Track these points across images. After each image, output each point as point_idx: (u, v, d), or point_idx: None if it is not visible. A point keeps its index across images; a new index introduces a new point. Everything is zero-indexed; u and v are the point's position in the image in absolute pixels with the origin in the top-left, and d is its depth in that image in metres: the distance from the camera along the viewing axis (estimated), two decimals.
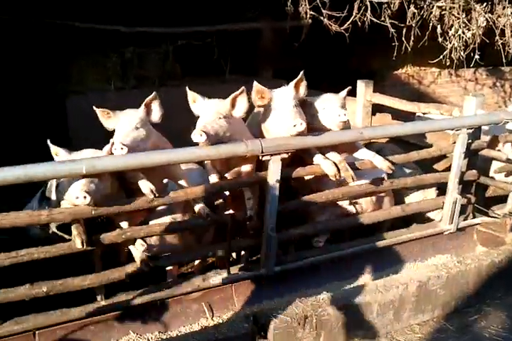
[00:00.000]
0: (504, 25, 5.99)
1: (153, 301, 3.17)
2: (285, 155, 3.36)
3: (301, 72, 3.44)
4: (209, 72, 6.60)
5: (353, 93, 5.63)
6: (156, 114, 3.35)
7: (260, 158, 3.26)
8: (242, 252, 3.89)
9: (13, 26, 5.89)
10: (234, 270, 3.38)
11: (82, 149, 3.27)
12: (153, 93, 3.30)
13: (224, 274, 3.31)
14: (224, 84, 6.62)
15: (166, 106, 5.88)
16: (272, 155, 3.27)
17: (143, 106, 3.26)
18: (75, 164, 2.80)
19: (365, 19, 5.81)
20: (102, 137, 5.66)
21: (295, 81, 3.41)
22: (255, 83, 3.41)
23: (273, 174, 3.31)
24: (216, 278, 3.31)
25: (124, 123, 3.16)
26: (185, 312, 3.24)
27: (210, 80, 6.58)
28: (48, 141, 3.08)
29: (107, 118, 3.25)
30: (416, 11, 5.91)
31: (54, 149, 3.08)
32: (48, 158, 3.11)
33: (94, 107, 3.26)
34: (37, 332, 2.91)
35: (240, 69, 6.79)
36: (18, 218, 2.79)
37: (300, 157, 3.58)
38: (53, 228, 3.15)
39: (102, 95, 5.82)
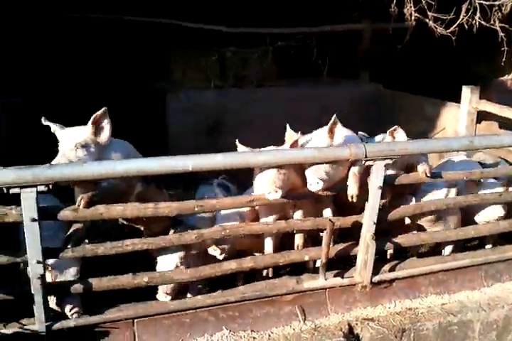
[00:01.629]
0: None
1: (246, 300, 3.19)
2: (389, 161, 3.26)
3: (334, 116, 3.13)
4: (306, 74, 6.58)
5: (456, 99, 5.42)
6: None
7: (363, 162, 3.19)
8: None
9: (120, 25, 6.19)
10: (329, 275, 3.32)
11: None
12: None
13: (319, 279, 3.26)
14: (320, 85, 6.59)
15: (263, 106, 5.99)
16: (375, 160, 3.18)
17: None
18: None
19: (473, 22, 5.56)
20: (199, 133, 5.86)
21: (328, 126, 3.17)
22: (288, 128, 3.31)
23: (375, 180, 3.22)
24: (311, 282, 3.27)
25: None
26: (278, 313, 3.23)
27: (306, 82, 6.57)
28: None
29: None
30: None
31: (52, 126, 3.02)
32: (144, 152, 3.25)
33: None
34: (136, 320, 3.01)
35: (337, 71, 6.72)
36: (126, 210, 2.90)
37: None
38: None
39: (202, 93, 5.98)
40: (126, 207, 2.90)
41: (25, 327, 2.82)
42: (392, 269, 3.47)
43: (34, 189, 2.66)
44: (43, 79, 5.91)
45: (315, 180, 3.01)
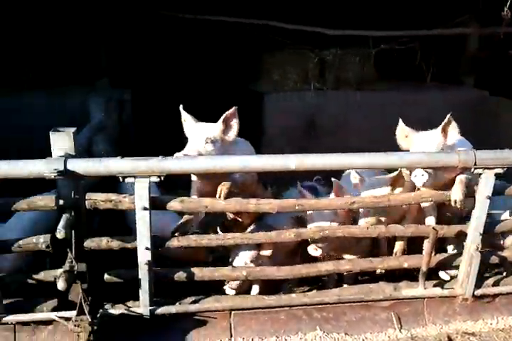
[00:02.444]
0: None
1: (341, 302, 3.17)
2: (500, 170, 3.11)
3: (448, 115, 3.11)
4: (408, 78, 6.43)
5: None
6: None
7: (472, 170, 3.07)
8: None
9: (222, 26, 6.36)
10: (428, 285, 3.22)
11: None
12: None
13: (418, 287, 3.18)
14: (421, 90, 6.41)
15: (361, 109, 5.92)
16: (485, 168, 3.05)
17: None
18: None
19: None
20: (294, 134, 5.89)
21: (442, 125, 3.12)
22: (400, 122, 3.26)
23: (484, 189, 3.09)
24: (409, 289, 3.19)
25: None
26: (373, 318, 3.18)
27: (408, 86, 6.42)
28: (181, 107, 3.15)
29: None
30: None
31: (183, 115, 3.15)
32: None
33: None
34: (233, 312, 3.09)
35: (440, 75, 6.51)
36: (230, 204, 2.98)
37: None
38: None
39: (300, 95, 6.01)
40: (230, 201, 2.98)
41: (130, 309, 2.98)
42: (496, 283, 3.31)
43: (147, 179, 2.81)
44: (150, 77, 6.23)
45: (420, 172, 2.96)
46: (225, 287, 3.19)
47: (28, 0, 5.69)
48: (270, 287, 3.35)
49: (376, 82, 6.41)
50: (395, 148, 3.24)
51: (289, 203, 3.06)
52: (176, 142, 3.28)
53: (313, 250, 3.11)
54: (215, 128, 3.08)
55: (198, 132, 3.06)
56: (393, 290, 3.21)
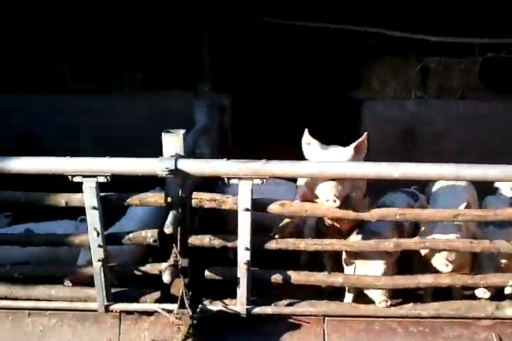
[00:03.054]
0: None
1: (439, 317, 3.08)
2: None
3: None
4: None
5: None
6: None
7: None
8: None
9: (322, 33, 6.38)
10: None
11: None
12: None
13: None
14: None
15: (464, 119, 5.70)
16: None
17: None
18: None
19: None
20: (392, 143, 5.79)
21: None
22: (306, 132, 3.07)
23: None
24: None
25: None
26: (472, 337, 3.05)
27: None
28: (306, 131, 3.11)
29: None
30: None
31: (308, 138, 3.10)
32: None
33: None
34: (326, 318, 3.10)
35: None
36: (329, 210, 2.99)
37: None
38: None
39: (401, 103, 5.90)
40: (330, 207, 2.99)
41: (227, 306, 3.08)
42: None
43: (250, 181, 2.90)
44: (251, 82, 6.38)
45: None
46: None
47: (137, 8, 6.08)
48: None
49: (480, 91, 6.13)
50: (502, 159, 3.08)
51: (389, 212, 3.02)
52: (271, 147, 3.38)
53: (444, 265, 3.03)
54: (345, 156, 3.02)
55: (327, 157, 3.02)
56: (495, 309, 3.07)
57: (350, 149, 3.01)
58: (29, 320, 3.15)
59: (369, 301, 3.16)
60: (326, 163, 2.91)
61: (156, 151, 3.14)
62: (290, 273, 3.09)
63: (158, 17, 6.31)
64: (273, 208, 3.01)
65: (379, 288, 3.09)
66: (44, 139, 5.87)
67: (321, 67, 6.46)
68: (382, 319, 3.10)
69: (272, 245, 3.05)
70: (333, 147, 3.13)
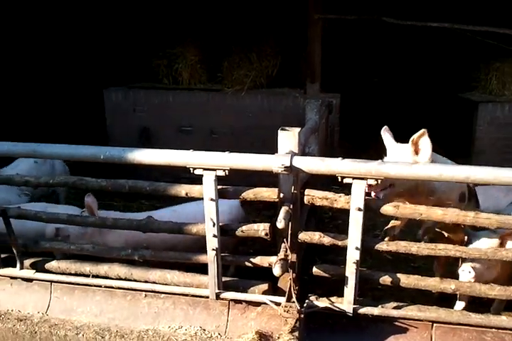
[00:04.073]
0: None
1: None
2: None
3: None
4: None
5: None
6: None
7: None
8: None
9: (436, 33, 6.17)
10: None
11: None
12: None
13: None
14: None
15: None
16: None
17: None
18: None
19: None
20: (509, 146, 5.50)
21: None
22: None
23: None
24: None
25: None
26: None
27: None
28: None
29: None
30: None
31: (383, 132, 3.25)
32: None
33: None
34: (435, 324, 3.03)
35: None
36: (446, 214, 2.91)
37: None
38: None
39: None
40: (447, 211, 2.91)
41: (334, 304, 3.10)
42: None
43: (364, 181, 2.89)
44: (360, 82, 6.35)
45: None
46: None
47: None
48: None
49: None
50: None
51: (510, 220, 2.89)
52: (379, 147, 3.34)
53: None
54: (405, 151, 3.06)
55: (393, 153, 3.14)
56: None
57: (409, 144, 3.05)
58: (145, 301, 3.38)
59: (481, 310, 3.05)
60: (447, 166, 2.84)
61: (261, 147, 3.25)
62: (400, 276, 3.06)
63: (271, 15, 6.48)
64: (386, 209, 2.99)
65: (493, 298, 2.97)
66: (158, 134, 6.24)
67: (436, 68, 6.29)
68: (495, 330, 2.97)
69: (383, 247, 3.03)
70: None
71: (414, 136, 3.00)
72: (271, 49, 6.39)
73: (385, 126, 3.30)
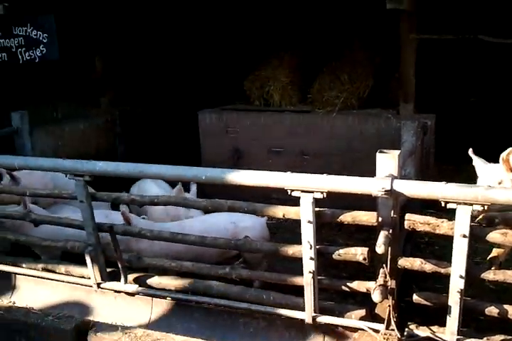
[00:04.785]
0: None
1: None
2: None
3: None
4: None
5: None
6: None
7: None
8: None
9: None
10: None
11: None
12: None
13: None
14: None
15: None
16: None
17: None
18: None
19: None
20: None
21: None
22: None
23: None
24: None
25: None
26: None
27: None
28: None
29: None
30: None
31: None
32: None
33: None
34: None
35: None
36: None
37: None
38: None
39: None
40: None
41: (435, 334, 2.99)
42: None
43: (470, 207, 2.78)
44: (454, 101, 6.16)
45: None
46: None
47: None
48: None
49: None
50: None
51: None
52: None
53: None
54: (498, 170, 3.01)
55: (485, 174, 3.12)
56: None
57: (500, 163, 3.02)
58: (241, 321, 3.43)
59: None
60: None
61: (352, 169, 3.22)
62: (507, 307, 2.90)
63: (363, 35, 6.47)
64: (493, 237, 2.86)
65: None
66: (250, 154, 6.37)
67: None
68: None
69: (489, 276, 2.90)
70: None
71: (503, 154, 2.91)
72: (362, 70, 6.36)
73: (470, 149, 3.32)
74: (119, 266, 3.65)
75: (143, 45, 8.11)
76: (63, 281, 3.92)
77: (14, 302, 3.86)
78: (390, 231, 3.02)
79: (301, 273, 3.17)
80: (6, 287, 4.11)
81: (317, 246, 3.14)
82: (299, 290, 3.22)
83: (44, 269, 3.99)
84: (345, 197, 2.97)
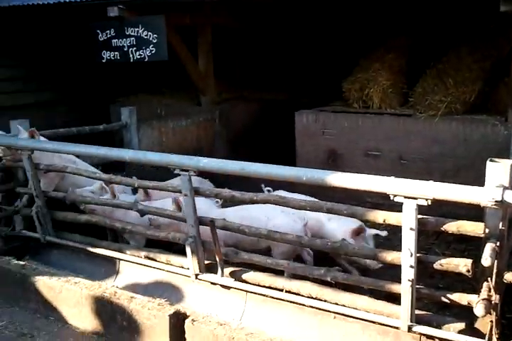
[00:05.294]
0: None
1: None
2: None
3: None
4: None
5: None
6: None
7: None
8: None
9: None
10: None
11: None
12: None
13: None
14: None
15: None
16: None
17: None
18: None
19: None
20: None
21: None
22: None
23: None
24: None
25: None
26: None
27: None
28: None
29: None
30: None
31: None
32: None
33: None
34: None
35: None
36: None
37: None
38: None
39: None
40: None
41: None
42: None
43: None
44: None
45: None
46: None
47: None
48: None
49: None
50: None
51: None
52: None
53: None
54: None
55: None
56: None
57: None
58: (334, 323, 3.42)
59: None
60: None
61: (454, 177, 3.09)
62: None
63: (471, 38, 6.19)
64: None
65: None
66: (345, 157, 6.33)
67: None
68: None
69: None
70: None
71: None
72: (470, 74, 6.10)
73: None
74: (217, 259, 3.77)
75: (237, 47, 8.35)
76: (163, 270, 4.13)
77: (117, 286, 4.10)
78: (497, 243, 2.90)
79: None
80: (112, 271, 4.41)
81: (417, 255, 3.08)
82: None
83: (146, 257, 4.23)
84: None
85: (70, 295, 3.92)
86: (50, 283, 4.03)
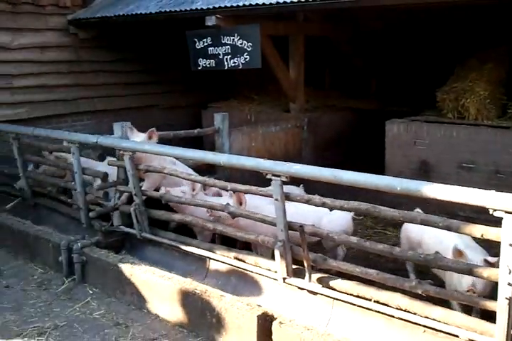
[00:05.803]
0: None
1: None
2: None
3: None
4: None
5: None
6: None
7: None
8: None
9: None
10: None
11: None
12: None
13: None
14: None
15: None
16: None
17: None
18: None
19: None
20: None
21: None
22: None
23: None
24: None
25: None
26: None
27: None
28: None
29: None
30: None
31: None
32: None
33: None
34: None
35: None
36: None
37: None
38: None
39: None
40: None
41: None
42: None
43: None
44: None
45: None
46: None
47: None
48: None
49: None
50: None
51: None
52: None
53: None
54: None
55: None
56: None
57: None
58: (423, 337, 3.36)
59: None
60: None
61: None
62: None
63: None
64: None
65: None
66: (438, 168, 6.17)
67: None
68: None
69: None
70: None
71: None
72: None
73: None
74: (305, 264, 3.82)
75: (327, 55, 8.37)
76: (251, 271, 4.24)
77: (207, 284, 4.26)
78: None
79: None
80: (202, 269, 4.59)
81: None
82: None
83: (235, 258, 4.36)
84: None
85: (163, 290, 4.13)
86: (145, 277, 4.27)
